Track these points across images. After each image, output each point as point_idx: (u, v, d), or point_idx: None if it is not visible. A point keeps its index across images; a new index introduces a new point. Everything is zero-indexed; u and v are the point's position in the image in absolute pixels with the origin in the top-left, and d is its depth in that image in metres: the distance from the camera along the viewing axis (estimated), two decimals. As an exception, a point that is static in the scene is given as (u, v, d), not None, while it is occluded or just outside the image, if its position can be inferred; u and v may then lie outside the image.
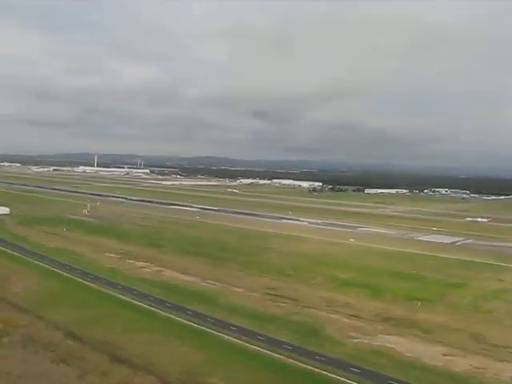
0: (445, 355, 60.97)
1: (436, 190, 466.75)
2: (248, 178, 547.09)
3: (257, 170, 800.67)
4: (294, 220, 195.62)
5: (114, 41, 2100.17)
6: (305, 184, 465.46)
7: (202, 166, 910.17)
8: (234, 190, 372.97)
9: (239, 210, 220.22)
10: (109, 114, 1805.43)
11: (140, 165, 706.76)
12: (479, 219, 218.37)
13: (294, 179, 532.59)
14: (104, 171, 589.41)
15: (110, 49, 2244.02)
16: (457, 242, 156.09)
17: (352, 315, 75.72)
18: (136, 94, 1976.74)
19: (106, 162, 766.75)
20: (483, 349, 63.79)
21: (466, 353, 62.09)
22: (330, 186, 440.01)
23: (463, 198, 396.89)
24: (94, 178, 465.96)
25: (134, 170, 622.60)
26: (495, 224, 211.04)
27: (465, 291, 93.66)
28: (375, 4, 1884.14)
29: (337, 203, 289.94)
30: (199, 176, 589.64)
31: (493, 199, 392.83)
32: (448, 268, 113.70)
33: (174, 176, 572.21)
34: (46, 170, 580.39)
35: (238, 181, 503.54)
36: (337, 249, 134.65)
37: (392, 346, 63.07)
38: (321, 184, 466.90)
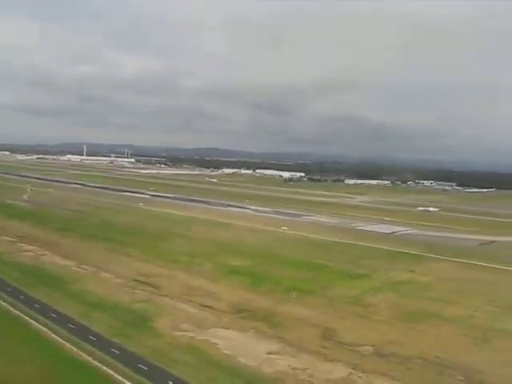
0: (269, 353, 53.26)
1: (420, 181, 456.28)
2: (240, 168, 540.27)
3: (253, 161, 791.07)
4: (242, 208, 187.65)
5: (112, 31, 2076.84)
6: (286, 174, 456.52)
7: (197, 157, 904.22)
8: (213, 180, 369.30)
9: (194, 198, 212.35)
10: (108, 103, 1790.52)
11: (127, 154, 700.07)
12: (431, 209, 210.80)
13: (282, 170, 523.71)
14: (89, 160, 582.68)
15: (108, 39, 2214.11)
16: (398, 231, 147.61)
17: (206, 306, 68.22)
18: (135, 84, 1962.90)
19: (103, 151, 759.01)
20: (323, 347, 56.01)
21: (299, 351, 54.31)
22: (309, 176, 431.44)
23: (444, 190, 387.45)
24: (72, 166, 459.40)
25: (119, 159, 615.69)
26: (445, 213, 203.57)
27: (361, 283, 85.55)
28: None
29: (305, 193, 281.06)
30: (185, 166, 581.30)
31: (474, 191, 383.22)
32: (364, 258, 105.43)
33: (158, 165, 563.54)
34: (30, 158, 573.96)
35: (221, 171, 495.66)
36: (258, 236, 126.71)
37: (216, 342, 55.46)
38: (303, 174, 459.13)
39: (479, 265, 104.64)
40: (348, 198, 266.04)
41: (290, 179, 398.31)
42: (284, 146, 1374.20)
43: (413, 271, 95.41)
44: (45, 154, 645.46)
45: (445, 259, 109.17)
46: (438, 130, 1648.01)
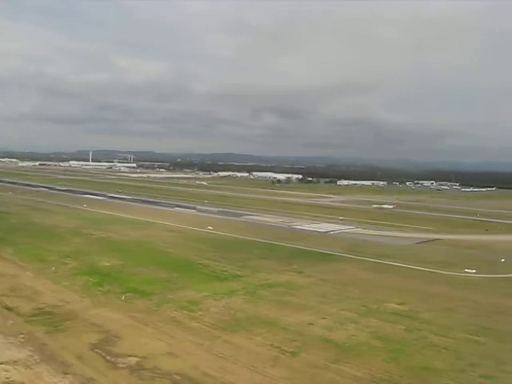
0: (7, 363, 44.53)
1: (420, 182, 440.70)
2: (241, 170, 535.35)
3: (267, 165, 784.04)
4: (189, 208, 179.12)
5: (120, 38, 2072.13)
6: (282, 176, 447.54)
7: (209, 162, 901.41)
8: (203, 183, 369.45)
9: (151, 200, 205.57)
10: (123, 110, 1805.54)
11: (130, 159, 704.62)
12: (385, 206, 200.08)
13: (285, 172, 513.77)
14: (89, 165, 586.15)
15: (116, 46, 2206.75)
16: (337, 230, 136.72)
17: (9, 307, 60.34)
18: (148, 91, 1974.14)
19: (119, 157, 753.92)
20: (79, 357, 46.98)
21: (44, 361, 45.48)
22: (301, 177, 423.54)
23: (438, 190, 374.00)
24: (65, 171, 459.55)
25: (119, 165, 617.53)
26: (397, 211, 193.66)
27: (223, 285, 76.16)
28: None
29: (282, 193, 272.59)
30: (185, 170, 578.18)
31: (471, 191, 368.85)
32: (259, 259, 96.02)
33: (158, 170, 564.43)
34: (32, 164, 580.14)
35: (216, 174, 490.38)
36: (170, 236, 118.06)
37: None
38: (299, 176, 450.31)
39: (390, 264, 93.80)
40: (324, 198, 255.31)
41: (278, 181, 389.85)
42: (301, 151, 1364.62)
43: (301, 272, 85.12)
44: (51, 161, 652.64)
45: (360, 259, 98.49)
46: (454, 131, 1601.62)
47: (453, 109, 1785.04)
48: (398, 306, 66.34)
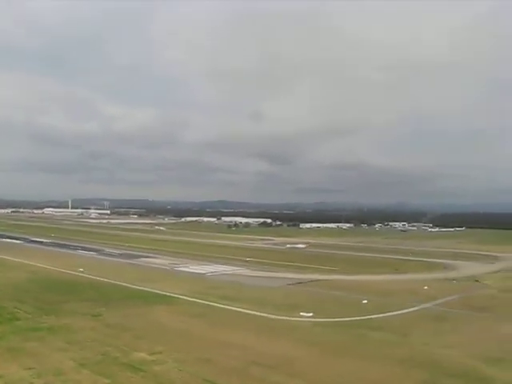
0: None
1: (390, 223, 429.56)
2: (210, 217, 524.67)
3: (254, 211, 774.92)
4: (92, 251, 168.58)
5: (106, 86, 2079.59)
6: (250, 221, 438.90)
7: (196, 209, 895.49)
8: (161, 228, 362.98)
9: (67, 243, 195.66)
10: (115, 158, 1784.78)
11: (106, 206, 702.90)
12: (299, 245, 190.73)
13: (263, 217, 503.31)
14: (62, 212, 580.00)
15: (102, 93, 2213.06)
16: (217, 272, 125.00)
17: None
18: (138, 138, 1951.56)
19: (114, 207, 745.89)
20: None
21: None
22: (262, 221, 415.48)
23: (403, 231, 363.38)
24: (30, 217, 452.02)
25: (91, 211, 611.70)
26: (309, 250, 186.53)
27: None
28: (363, 34, 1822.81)
29: (226, 237, 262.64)
30: (158, 216, 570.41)
31: (436, 231, 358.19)
32: (83, 301, 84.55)
33: (130, 216, 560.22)
34: (4, 211, 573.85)
35: (184, 219, 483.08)
36: (18, 276, 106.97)
37: None
38: (269, 221, 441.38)
39: (223, 308, 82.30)
40: (264, 240, 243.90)
41: (235, 225, 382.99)
42: (292, 196, 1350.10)
43: (97, 316, 73.58)
44: (25, 208, 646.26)
45: (196, 302, 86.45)
46: (447, 174, 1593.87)
47: (443, 150, 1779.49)
48: (147, 356, 54.65)
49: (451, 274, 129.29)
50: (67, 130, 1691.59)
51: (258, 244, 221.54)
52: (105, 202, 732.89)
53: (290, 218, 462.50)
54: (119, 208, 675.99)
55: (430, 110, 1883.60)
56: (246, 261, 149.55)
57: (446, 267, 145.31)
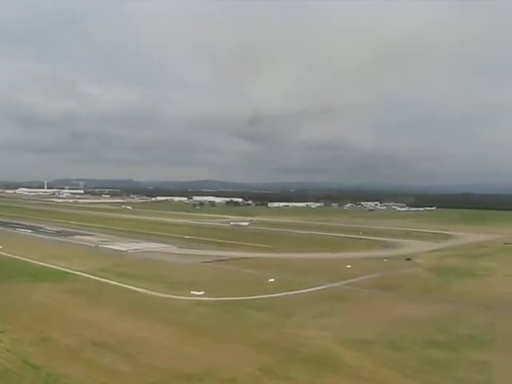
0: None
1: (362, 203, 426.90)
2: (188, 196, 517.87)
3: (236, 190, 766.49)
4: (30, 229, 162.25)
5: (89, 65, 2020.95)
6: (220, 200, 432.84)
7: (177, 189, 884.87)
8: (128, 207, 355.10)
9: (11, 221, 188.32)
10: (98, 138, 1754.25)
11: (80, 186, 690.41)
12: (241, 223, 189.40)
13: (235, 197, 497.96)
14: (34, 192, 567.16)
15: (84, 73, 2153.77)
16: (140, 249, 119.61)
17: None
18: (121, 118, 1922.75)
19: (97, 187, 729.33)
20: None
21: None
22: (228, 200, 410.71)
23: (370, 210, 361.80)
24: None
25: (64, 191, 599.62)
26: (252, 228, 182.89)
27: None
28: (350, 16, 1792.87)
29: (185, 215, 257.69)
30: (132, 196, 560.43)
31: (405, 210, 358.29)
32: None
33: (103, 196, 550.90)
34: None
35: (154, 198, 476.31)
36: None
37: None
38: (239, 200, 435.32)
39: (115, 285, 76.93)
40: (223, 219, 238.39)
41: (201, 204, 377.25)
42: (276, 176, 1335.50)
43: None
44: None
45: (94, 279, 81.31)
46: (434, 155, 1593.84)
47: (428, 133, 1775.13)
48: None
49: (389, 253, 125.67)
50: (48, 109, 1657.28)
51: (210, 222, 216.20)
52: (80, 182, 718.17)
53: (263, 197, 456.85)
54: (102, 188, 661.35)
55: (415, 93, 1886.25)
56: (184, 238, 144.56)
57: (388, 246, 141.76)
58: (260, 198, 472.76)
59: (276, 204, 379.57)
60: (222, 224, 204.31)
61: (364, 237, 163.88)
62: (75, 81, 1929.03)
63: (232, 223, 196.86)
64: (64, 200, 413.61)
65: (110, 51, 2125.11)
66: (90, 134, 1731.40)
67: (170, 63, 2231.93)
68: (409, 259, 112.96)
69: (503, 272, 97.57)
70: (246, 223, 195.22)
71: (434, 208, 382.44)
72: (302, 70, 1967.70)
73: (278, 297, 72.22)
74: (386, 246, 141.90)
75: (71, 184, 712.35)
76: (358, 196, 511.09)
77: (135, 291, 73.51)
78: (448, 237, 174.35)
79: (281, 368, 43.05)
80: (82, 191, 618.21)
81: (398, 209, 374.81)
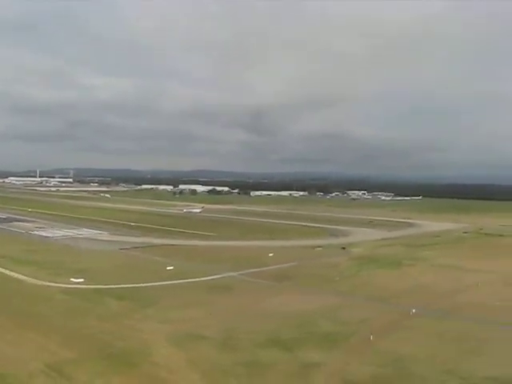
0: None
1: (347, 192, 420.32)
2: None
3: (232, 180, 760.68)
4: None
5: (85, 56, 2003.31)
6: (203, 189, 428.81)
7: (172, 178, 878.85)
8: (106, 195, 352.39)
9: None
10: (96, 128, 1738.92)
11: (70, 175, 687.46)
12: (194, 210, 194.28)
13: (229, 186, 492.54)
14: (22, 181, 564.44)
15: (82, 64, 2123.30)
16: (68, 236, 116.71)
17: None
18: (119, 108, 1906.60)
19: (94, 176, 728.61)
20: None
21: None
22: (210, 189, 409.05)
23: (353, 199, 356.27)
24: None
25: (52, 180, 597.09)
26: (202, 215, 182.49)
27: None
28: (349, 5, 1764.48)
29: (158, 204, 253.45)
30: (121, 185, 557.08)
31: (390, 200, 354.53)
32: None
33: (91, 184, 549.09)
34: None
35: (138, 187, 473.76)
36: None
37: None
38: (222, 189, 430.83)
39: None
40: (188, 207, 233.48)
41: (180, 192, 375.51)
42: (276, 166, 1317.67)
43: None
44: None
45: None
46: (435, 146, 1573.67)
47: (426, 123, 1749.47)
48: None
49: (331, 241, 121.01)
50: (46, 99, 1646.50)
51: (171, 210, 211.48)
52: (70, 171, 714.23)
53: (253, 187, 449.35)
54: (101, 177, 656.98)
55: (418, 84, 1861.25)
56: (129, 225, 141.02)
57: (336, 234, 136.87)
58: (248, 187, 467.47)
59: (258, 193, 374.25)
60: (178, 211, 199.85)
61: (316, 225, 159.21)
62: (74, 72, 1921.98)
63: (185, 210, 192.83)
64: (47, 189, 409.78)
65: (107, 43, 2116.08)
66: (89, 124, 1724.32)
67: (168, 54, 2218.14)
68: (344, 248, 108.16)
69: (433, 262, 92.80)
70: (199, 210, 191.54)
71: (420, 197, 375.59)
72: (302, 60, 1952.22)
73: (162, 285, 68.04)
74: (333, 234, 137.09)
75: (65, 173, 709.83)
76: (361, 186, 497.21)
77: (14, 278, 69.91)
78: (410, 225, 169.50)
79: (73, 365, 38.70)
80: (71, 180, 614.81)
81: (383, 198, 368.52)
